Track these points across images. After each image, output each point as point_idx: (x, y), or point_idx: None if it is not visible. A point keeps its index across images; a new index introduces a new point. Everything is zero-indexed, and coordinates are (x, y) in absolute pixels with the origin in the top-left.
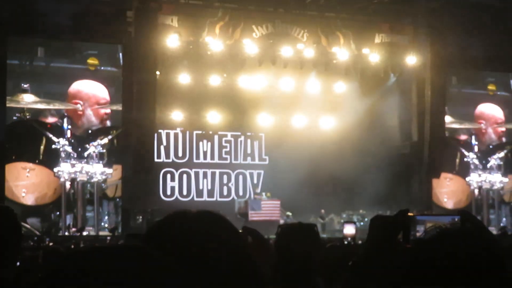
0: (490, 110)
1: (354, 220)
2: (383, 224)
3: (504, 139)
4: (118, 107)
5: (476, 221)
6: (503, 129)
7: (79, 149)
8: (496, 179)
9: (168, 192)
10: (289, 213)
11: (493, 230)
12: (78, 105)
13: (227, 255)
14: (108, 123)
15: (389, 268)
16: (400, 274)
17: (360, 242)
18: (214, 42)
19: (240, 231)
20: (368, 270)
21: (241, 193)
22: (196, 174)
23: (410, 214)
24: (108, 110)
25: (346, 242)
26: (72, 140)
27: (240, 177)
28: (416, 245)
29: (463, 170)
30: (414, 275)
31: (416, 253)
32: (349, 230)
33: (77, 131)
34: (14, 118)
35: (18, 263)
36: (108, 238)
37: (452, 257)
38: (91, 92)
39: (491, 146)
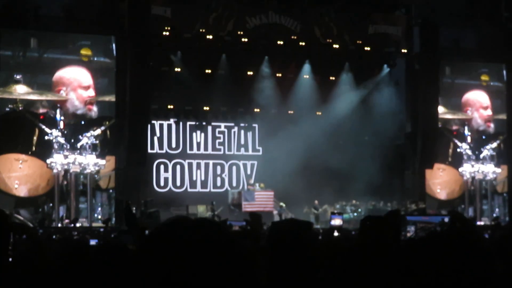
0: (474, 96)
1: (347, 211)
2: (374, 225)
3: (491, 125)
4: (111, 98)
5: (466, 221)
6: (489, 113)
7: (72, 140)
8: (489, 170)
9: (162, 183)
10: (282, 204)
11: (486, 220)
12: (62, 92)
13: (224, 264)
14: (95, 108)
15: (380, 269)
16: (391, 275)
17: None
18: (207, 33)
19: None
20: (360, 270)
21: (234, 184)
22: (190, 165)
23: (400, 213)
24: (91, 93)
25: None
26: (65, 131)
27: (234, 168)
28: (406, 247)
29: (456, 161)
30: (405, 277)
31: (407, 254)
32: (336, 221)
33: (66, 119)
34: (7, 109)
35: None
36: (101, 229)
37: (442, 258)
38: (72, 77)
39: (484, 137)
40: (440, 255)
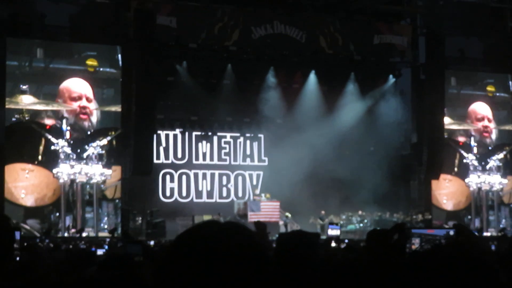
0: (472, 107)
1: (353, 221)
2: (380, 238)
3: (489, 135)
4: (117, 108)
5: (470, 234)
6: (486, 124)
7: (78, 150)
8: (496, 181)
9: (168, 193)
10: (288, 214)
11: (493, 231)
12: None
13: (249, 266)
14: (93, 118)
15: (386, 282)
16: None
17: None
18: (213, 43)
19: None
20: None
21: (240, 194)
22: (196, 175)
23: (406, 226)
24: (84, 103)
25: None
26: (71, 142)
27: (240, 178)
28: (412, 259)
29: (462, 172)
30: None
31: (412, 266)
32: (334, 232)
33: (72, 129)
34: (13, 119)
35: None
36: (108, 239)
37: (446, 271)
38: (66, 87)
39: (490, 148)
40: (444, 269)
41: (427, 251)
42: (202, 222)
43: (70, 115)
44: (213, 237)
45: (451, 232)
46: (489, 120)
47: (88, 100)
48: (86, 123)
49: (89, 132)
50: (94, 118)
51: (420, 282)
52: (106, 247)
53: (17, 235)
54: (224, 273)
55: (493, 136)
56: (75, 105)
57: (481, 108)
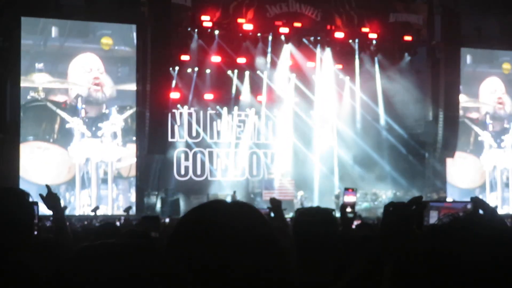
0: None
1: (368, 199)
2: (397, 211)
3: (503, 107)
4: (132, 87)
5: (488, 207)
6: (498, 95)
7: (93, 128)
8: (511, 158)
9: (182, 172)
10: (302, 192)
11: (509, 209)
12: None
13: (259, 247)
14: (107, 92)
15: (403, 255)
16: (415, 260)
17: (373, 222)
18: (228, 21)
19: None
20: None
21: (255, 172)
22: (210, 153)
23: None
24: (94, 74)
25: (349, 212)
26: (86, 120)
27: (254, 156)
28: (429, 232)
29: (477, 149)
30: (429, 262)
31: (430, 240)
32: (350, 198)
33: (87, 107)
34: (28, 97)
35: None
36: (123, 217)
37: (465, 243)
38: (75, 63)
39: (505, 125)
40: (464, 241)
41: (445, 224)
42: (208, 202)
43: (83, 90)
44: (217, 217)
45: (469, 206)
46: (502, 92)
47: (99, 71)
48: (100, 95)
49: (104, 110)
50: (108, 91)
51: (438, 255)
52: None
53: (35, 209)
54: (228, 253)
55: (508, 109)
56: (87, 77)
57: (492, 82)
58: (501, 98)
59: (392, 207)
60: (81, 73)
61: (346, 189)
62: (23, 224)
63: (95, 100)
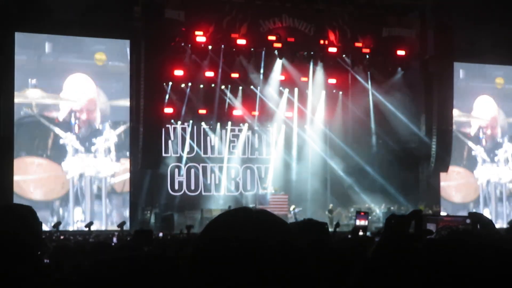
0: (478, 100)
1: None
2: (398, 222)
3: (501, 128)
4: (126, 102)
5: (486, 221)
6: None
7: (87, 144)
8: (504, 173)
9: (176, 187)
10: (294, 207)
11: (503, 223)
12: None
13: (282, 256)
14: (100, 112)
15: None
16: (413, 274)
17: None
18: (221, 36)
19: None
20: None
21: (248, 187)
22: (204, 168)
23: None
24: (89, 96)
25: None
26: (80, 135)
27: (248, 171)
28: (427, 245)
29: (471, 164)
30: (427, 276)
31: (428, 253)
32: (362, 222)
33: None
34: (22, 113)
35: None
36: (116, 233)
37: (462, 258)
38: (70, 82)
39: (499, 140)
40: (462, 255)
41: (443, 238)
42: (234, 209)
43: (77, 106)
44: (245, 226)
45: (467, 221)
46: (494, 109)
47: (94, 93)
48: (93, 116)
49: (97, 126)
50: (101, 106)
51: (438, 267)
52: (115, 240)
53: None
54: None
55: (501, 123)
56: (81, 98)
57: (486, 101)
58: (494, 116)
59: (394, 219)
60: (75, 94)
61: (358, 213)
62: (33, 242)
63: (88, 116)
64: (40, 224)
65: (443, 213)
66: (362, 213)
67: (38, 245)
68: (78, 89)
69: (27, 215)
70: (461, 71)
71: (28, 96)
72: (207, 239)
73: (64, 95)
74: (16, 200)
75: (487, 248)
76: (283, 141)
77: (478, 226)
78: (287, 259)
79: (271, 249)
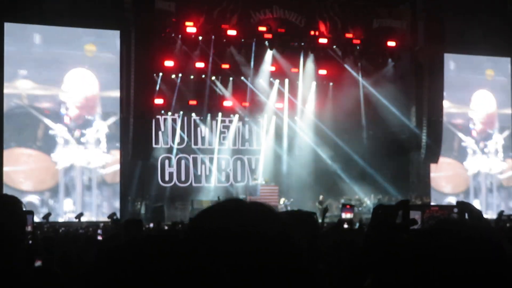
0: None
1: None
2: (386, 212)
3: (496, 124)
4: (116, 93)
5: (474, 210)
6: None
7: (77, 135)
8: (494, 164)
9: (167, 178)
10: (285, 199)
11: (493, 214)
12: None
13: (275, 249)
14: (93, 104)
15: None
16: (400, 265)
17: (357, 226)
18: (212, 27)
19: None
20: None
21: (239, 178)
22: (194, 159)
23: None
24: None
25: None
26: (70, 126)
27: (238, 162)
28: (414, 237)
29: (461, 155)
30: (415, 266)
31: (415, 245)
32: (347, 215)
33: (71, 113)
34: (12, 104)
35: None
36: (103, 224)
37: (450, 248)
38: (70, 76)
39: (489, 131)
40: (449, 245)
41: (431, 228)
42: (225, 200)
43: (67, 97)
44: (236, 216)
45: (455, 210)
46: (491, 108)
47: (91, 88)
48: (85, 108)
49: (87, 117)
50: (94, 103)
51: (425, 257)
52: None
53: (30, 218)
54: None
55: (493, 121)
56: (78, 92)
57: (484, 95)
58: (492, 113)
59: (381, 210)
60: (73, 88)
61: (344, 205)
62: (13, 233)
63: (79, 112)
64: (29, 213)
65: (432, 204)
66: (348, 206)
67: (24, 235)
68: (69, 80)
69: (13, 205)
70: (451, 63)
71: (18, 87)
72: (197, 230)
73: (54, 86)
74: (6, 191)
75: (474, 238)
76: (273, 132)
77: (466, 216)
78: (281, 250)
79: (264, 239)
